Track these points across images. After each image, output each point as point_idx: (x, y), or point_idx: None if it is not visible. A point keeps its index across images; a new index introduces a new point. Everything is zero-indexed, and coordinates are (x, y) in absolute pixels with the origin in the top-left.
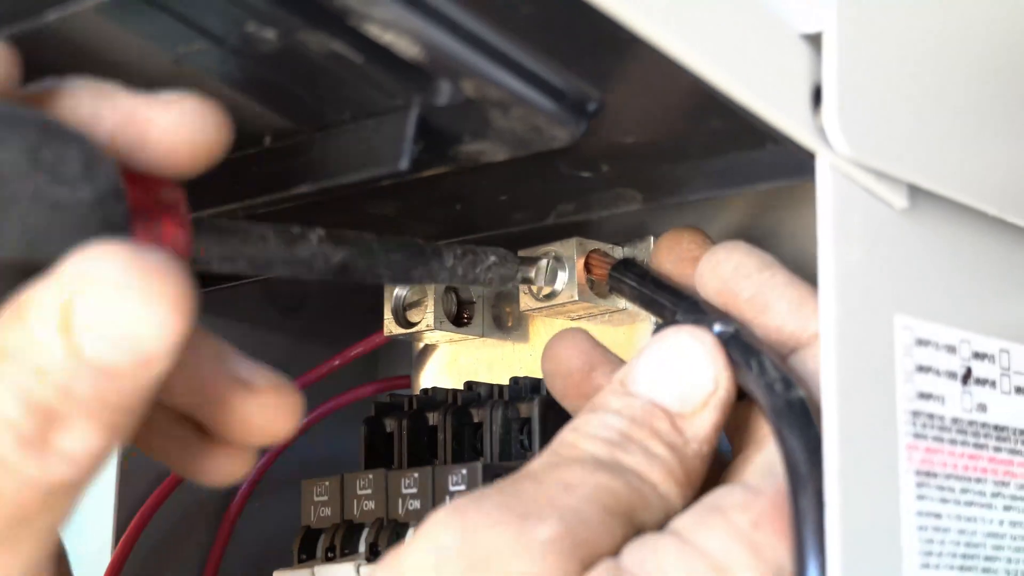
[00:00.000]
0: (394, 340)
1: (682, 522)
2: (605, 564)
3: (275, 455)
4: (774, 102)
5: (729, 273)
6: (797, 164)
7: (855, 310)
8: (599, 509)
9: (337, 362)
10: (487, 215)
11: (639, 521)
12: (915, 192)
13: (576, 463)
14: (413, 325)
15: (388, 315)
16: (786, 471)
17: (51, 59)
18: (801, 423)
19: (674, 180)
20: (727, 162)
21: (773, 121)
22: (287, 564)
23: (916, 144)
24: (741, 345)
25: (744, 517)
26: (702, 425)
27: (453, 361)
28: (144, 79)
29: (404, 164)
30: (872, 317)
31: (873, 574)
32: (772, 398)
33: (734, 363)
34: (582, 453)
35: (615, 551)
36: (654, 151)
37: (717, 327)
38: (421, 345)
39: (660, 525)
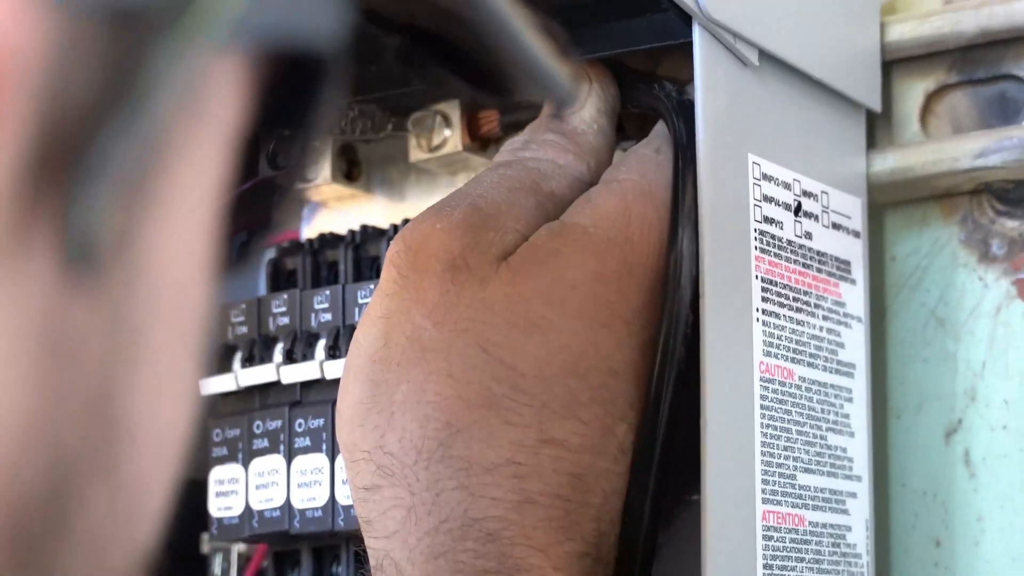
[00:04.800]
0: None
1: (607, 171)
2: (549, 223)
3: None
4: None
5: None
6: (669, 29)
7: (720, 145)
8: (503, 190)
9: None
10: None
11: (548, 189)
12: (765, 56)
13: (485, 170)
14: (308, 181)
15: None
16: (674, 147)
17: None
18: (687, 114)
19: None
20: (610, 28)
21: None
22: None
23: (765, 14)
24: (640, 76)
25: (647, 148)
26: (588, 110)
27: (340, 219)
28: None
29: None
30: (732, 152)
31: (729, 358)
32: (670, 100)
33: (644, 91)
34: (492, 165)
35: (546, 214)
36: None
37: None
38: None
39: (578, 187)
